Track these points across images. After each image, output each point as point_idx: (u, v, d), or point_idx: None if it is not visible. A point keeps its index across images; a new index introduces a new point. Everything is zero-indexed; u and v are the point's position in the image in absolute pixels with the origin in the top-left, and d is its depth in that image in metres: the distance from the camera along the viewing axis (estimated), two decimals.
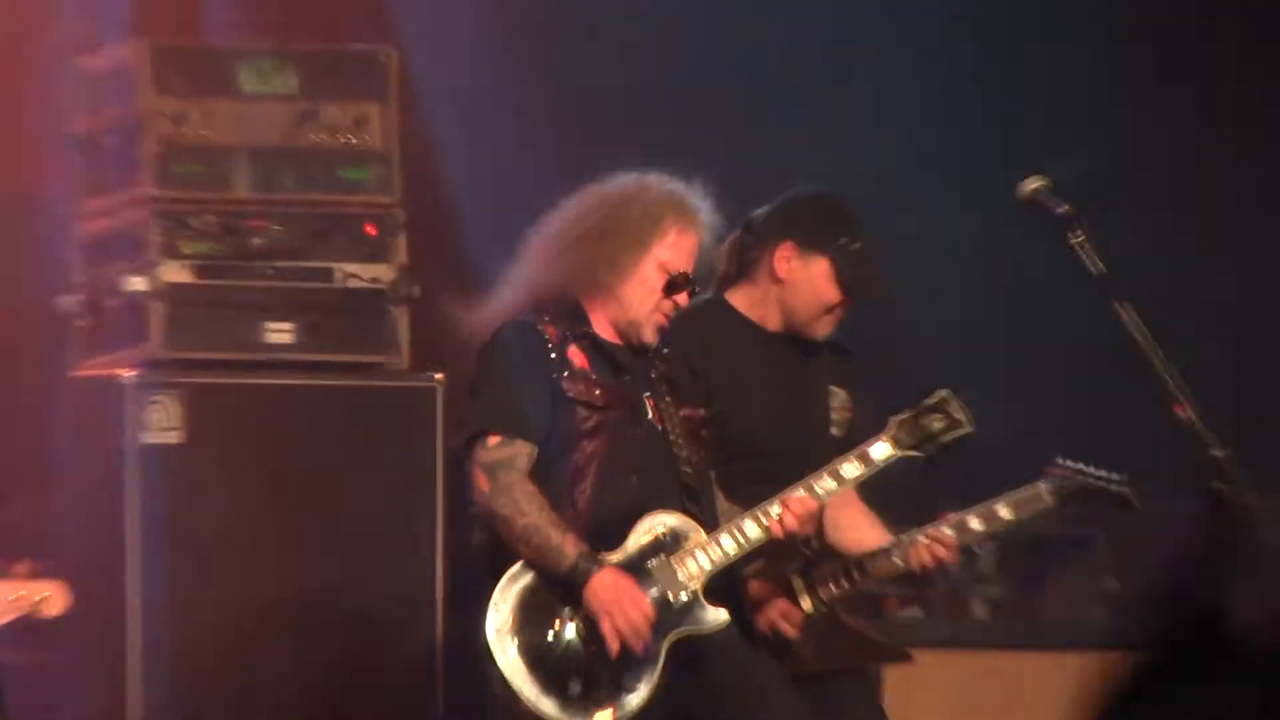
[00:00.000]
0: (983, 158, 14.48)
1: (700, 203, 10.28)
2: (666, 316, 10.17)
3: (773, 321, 10.75)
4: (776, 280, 10.76)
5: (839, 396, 10.86)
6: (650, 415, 10.52)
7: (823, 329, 10.72)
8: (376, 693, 12.19)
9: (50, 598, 10.45)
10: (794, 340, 10.74)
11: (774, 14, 16.01)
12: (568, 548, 10.03)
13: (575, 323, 10.32)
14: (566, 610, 10.13)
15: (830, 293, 10.61)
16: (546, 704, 10.03)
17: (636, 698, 9.94)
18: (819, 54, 16.04)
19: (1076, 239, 10.15)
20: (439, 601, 12.03)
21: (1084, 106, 16.48)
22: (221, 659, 12.18)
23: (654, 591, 10.25)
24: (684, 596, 10.38)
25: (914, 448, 10.21)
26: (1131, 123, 16.25)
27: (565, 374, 10.20)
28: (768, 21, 15.96)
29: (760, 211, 10.92)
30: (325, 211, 12.36)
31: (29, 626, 10.92)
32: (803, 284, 10.78)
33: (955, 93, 16.08)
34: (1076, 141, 15.68)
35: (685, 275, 10.21)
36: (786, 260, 10.72)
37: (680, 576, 10.42)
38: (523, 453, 10.18)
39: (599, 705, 10.32)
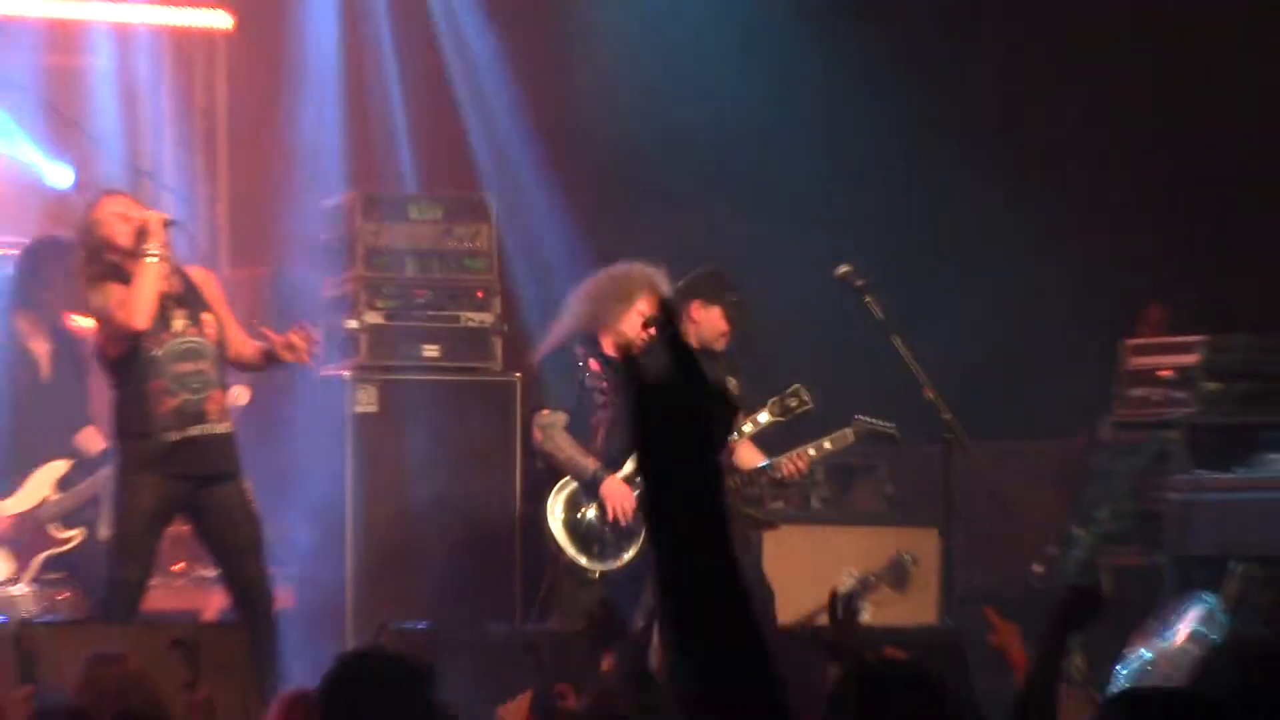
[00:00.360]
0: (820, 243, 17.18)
1: (660, 279, 14.76)
2: (645, 339, 14.39)
3: (694, 343, 14.82)
4: (693, 321, 15.20)
5: (731, 383, 14.95)
6: None
7: (720, 346, 15.22)
8: (488, 556, 16.05)
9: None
10: (704, 352, 14.91)
11: None
12: (589, 466, 14.58)
13: (592, 346, 14.75)
14: (589, 502, 14.69)
15: (723, 326, 15.17)
16: (580, 557, 14.68)
17: (628, 554, 14.58)
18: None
19: (867, 298, 14.79)
20: (517, 502, 16.07)
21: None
22: (400, 544, 16.07)
23: (638, 492, 13.94)
24: None
25: (781, 415, 14.79)
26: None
27: (587, 375, 14.67)
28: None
29: (679, 283, 15.10)
30: (456, 284, 16.75)
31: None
32: (706, 323, 15.21)
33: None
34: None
35: (651, 318, 14.43)
36: (697, 310, 15.20)
37: None
38: (560, 419, 14.77)
39: (606, 558, 14.74)
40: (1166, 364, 16.02)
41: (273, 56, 18.84)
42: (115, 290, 13.32)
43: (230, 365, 13.78)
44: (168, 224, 13.50)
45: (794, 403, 14.57)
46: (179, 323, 13.46)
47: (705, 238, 17.70)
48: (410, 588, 15.81)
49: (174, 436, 13.39)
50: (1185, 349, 15.96)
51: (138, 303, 13.19)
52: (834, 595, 12.82)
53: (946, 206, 18.36)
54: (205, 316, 13.56)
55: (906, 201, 18.65)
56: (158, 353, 13.37)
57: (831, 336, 16.43)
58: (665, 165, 18.66)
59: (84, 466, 15.23)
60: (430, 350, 16.39)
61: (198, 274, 13.82)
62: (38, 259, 15.70)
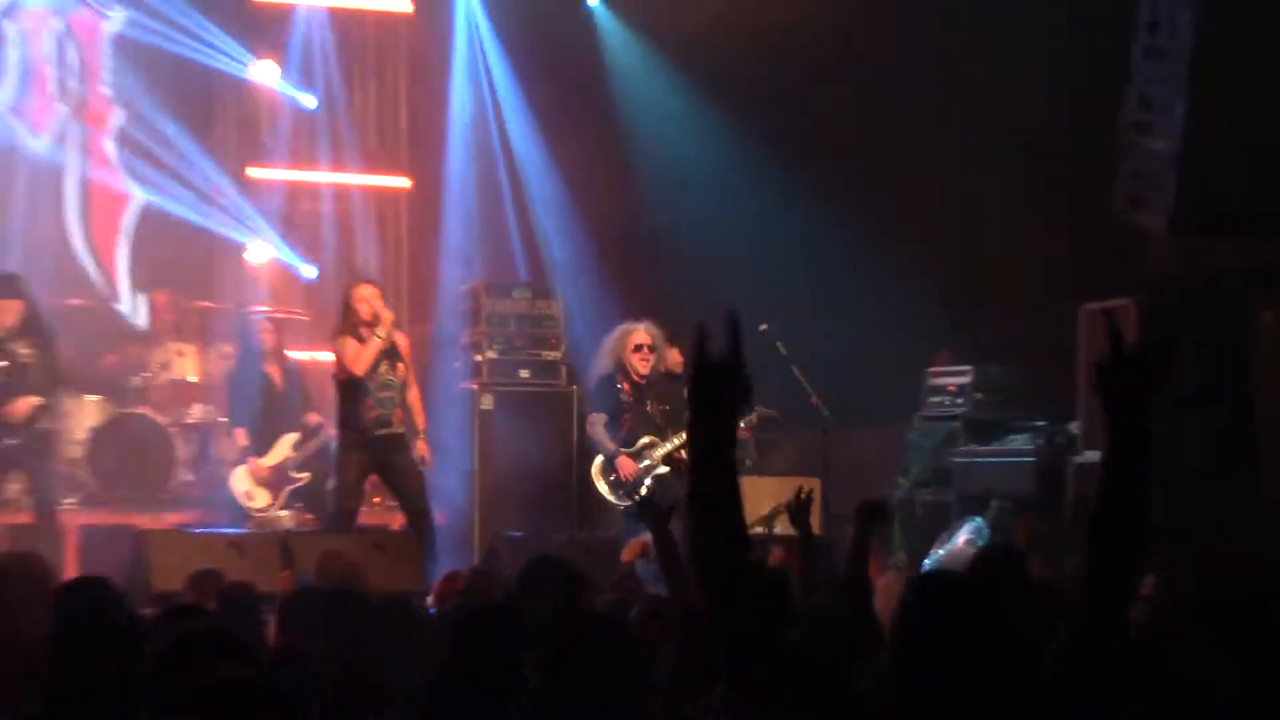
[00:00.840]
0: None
1: (652, 328, 14.71)
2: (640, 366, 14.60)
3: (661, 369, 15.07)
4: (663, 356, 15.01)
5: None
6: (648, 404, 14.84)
7: (679, 371, 14.72)
8: (556, 494, 16.12)
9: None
10: (670, 375, 15.00)
11: None
12: (611, 448, 14.67)
13: (622, 376, 14.85)
14: (614, 466, 14.71)
15: (678, 360, 14.87)
16: (608, 495, 14.73)
17: (636, 498, 14.09)
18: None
19: (777, 343, 14.76)
20: (574, 463, 16.04)
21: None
22: (504, 488, 16.07)
23: (643, 461, 14.74)
24: (649, 463, 14.72)
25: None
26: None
27: (620, 393, 14.81)
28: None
29: (665, 330, 14.92)
30: (537, 335, 16.79)
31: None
32: (671, 357, 15.06)
33: None
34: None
35: (641, 347, 14.47)
36: (668, 350, 15.04)
37: (650, 458, 14.69)
38: (602, 418, 14.90)
39: (620, 498, 14.70)
40: (952, 382, 16.10)
41: (434, 201, 19.02)
42: (350, 345, 14.19)
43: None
44: (391, 322, 14.37)
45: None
46: (384, 367, 14.24)
47: (703, 294, 15.73)
48: (510, 514, 15.96)
49: (372, 432, 14.28)
50: (963, 374, 16.05)
51: (362, 360, 14.12)
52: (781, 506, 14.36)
53: (837, 268, 17.21)
54: (399, 365, 14.34)
55: (814, 260, 17.51)
56: (370, 384, 14.21)
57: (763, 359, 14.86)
58: (678, 243, 18.16)
59: (307, 435, 15.98)
60: (524, 373, 16.77)
61: (401, 339, 14.43)
62: (285, 323, 16.55)
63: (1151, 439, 4.48)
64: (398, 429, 14.39)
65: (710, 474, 4.55)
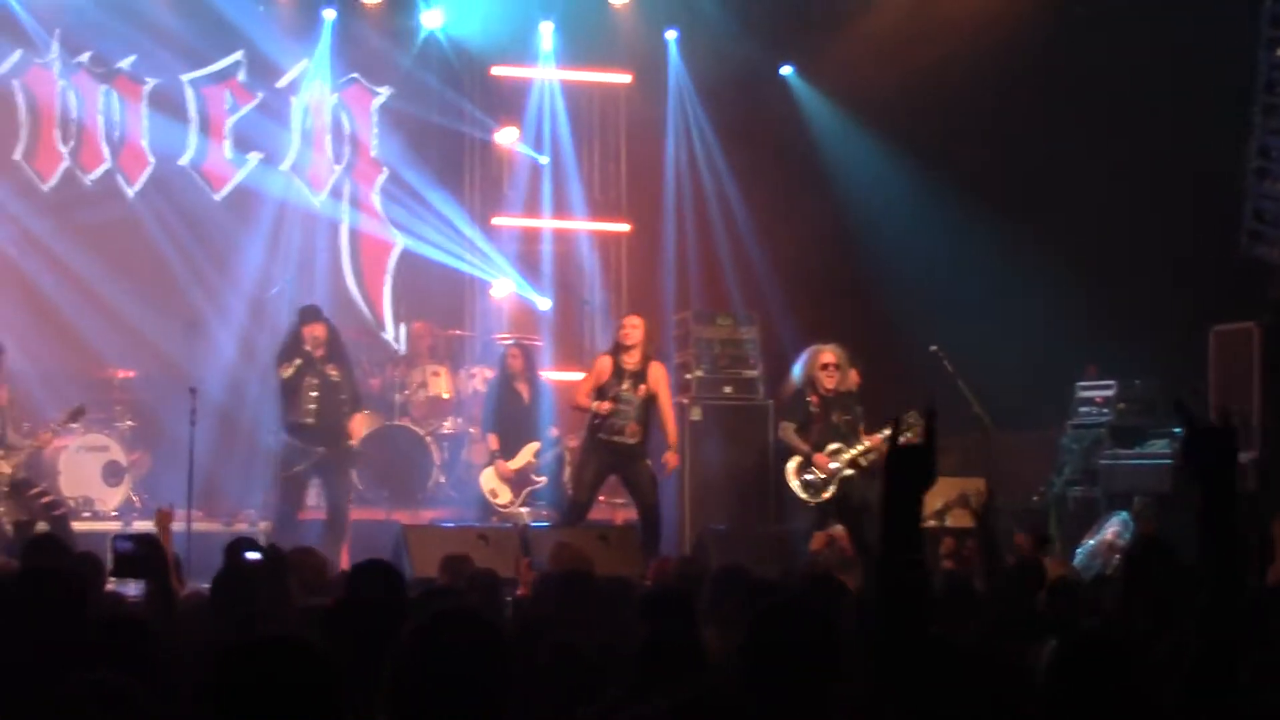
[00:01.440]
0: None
1: (837, 349, 14.18)
2: (827, 381, 14.18)
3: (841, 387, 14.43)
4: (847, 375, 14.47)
5: (858, 410, 14.29)
6: None
7: (855, 389, 14.47)
8: (756, 491, 15.67)
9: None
10: (847, 394, 14.46)
11: None
12: (805, 449, 14.02)
13: (809, 386, 14.30)
14: (806, 467, 14.05)
15: (857, 379, 14.49)
16: (801, 493, 14.09)
17: (824, 495, 13.93)
18: None
19: (944, 359, 14.74)
20: (770, 467, 15.34)
21: None
22: (712, 485, 15.75)
23: (832, 464, 13.99)
24: (836, 466, 13.99)
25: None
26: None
27: (807, 403, 14.26)
28: None
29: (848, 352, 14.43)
30: (738, 356, 16.59)
31: None
32: (852, 376, 14.49)
33: None
34: None
35: (828, 365, 14.07)
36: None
37: (838, 461, 14.02)
38: (793, 425, 14.23)
39: (811, 495, 14.13)
40: (1099, 394, 15.92)
41: (650, 242, 19.00)
42: (588, 380, 14.45)
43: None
44: (642, 350, 14.30)
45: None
46: (625, 385, 14.15)
47: (883, 320, 17.15)
48: (715, 510, 15.74)
49: (605, 439, 14.23)
50: (1108, 387, 15.85)
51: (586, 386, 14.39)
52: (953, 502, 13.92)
53: (1000, 297, 16.97)
54: (641, 387, 14.13)
55: (982, 290, 17.16)
56: (612, 391, 14.12)
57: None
58: (864, 275, 17.94)
59: (548, 445, 15.78)
60: (727, 389, 16.59)
61: (655, 369, 14.39)
62: (529, 348, 16.44)
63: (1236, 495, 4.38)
64: (629, 440, 14.29)
65: (898, 547, 4.34)
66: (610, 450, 14.25)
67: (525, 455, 15.52)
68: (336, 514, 14.27)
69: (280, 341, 14.53)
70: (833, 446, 14.18)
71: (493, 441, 15.56)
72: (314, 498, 14.89)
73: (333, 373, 14.18)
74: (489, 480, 15.59)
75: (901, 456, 4.35)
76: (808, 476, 14.23)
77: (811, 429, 14.32)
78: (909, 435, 4.56)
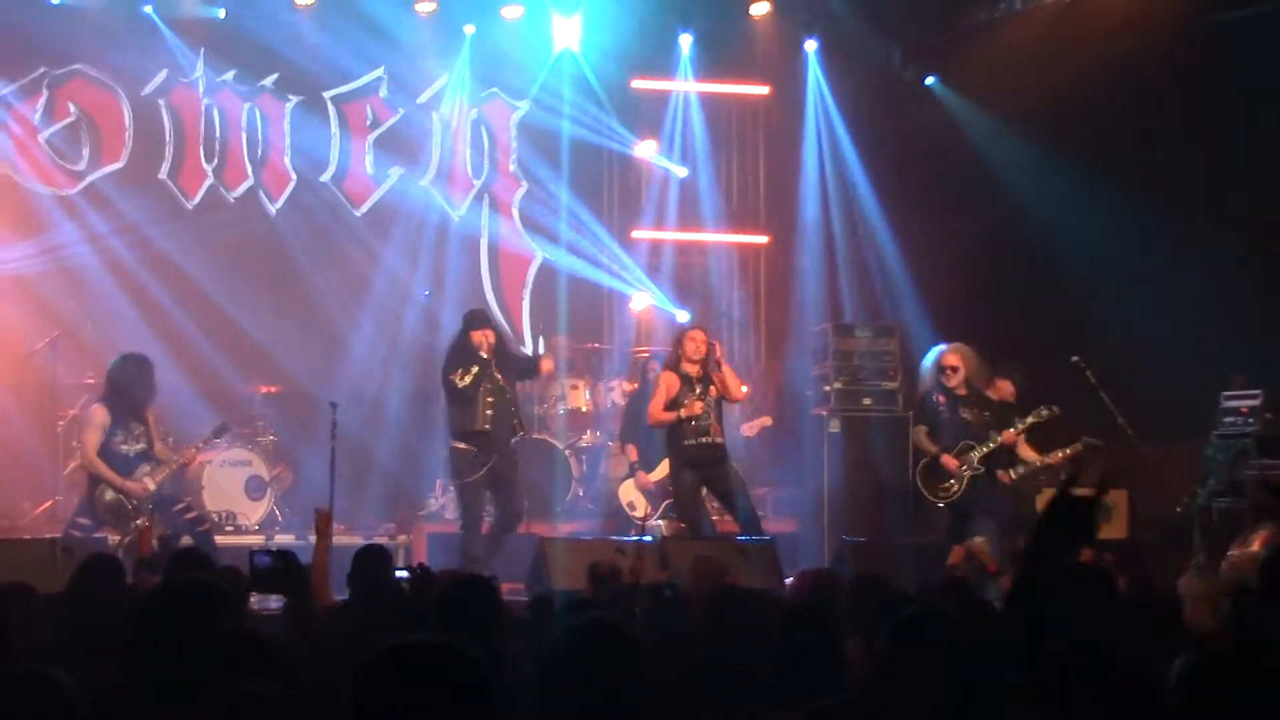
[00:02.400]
0: None
1: (960, 348, 14.15)
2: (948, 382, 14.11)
3: (996, 395, 14.64)
4: (997, 387, 14.63)
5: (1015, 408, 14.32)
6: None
7: (1012, 399, 14.63)
8: (893, 498, 15.50)
9: None
10: (1005, 404, 14.59)
11: None
12: (933, 450, 14.09)
13: (936, 389, 14.31)
14: (937, 467, 14.07)
15: (1013, 389, 14.71)
16: (930, 497, 14.10)
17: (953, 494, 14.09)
18: None
19: (1086, 371, 14.59)
20: (910, 479, 14.78)
21: None
22: (852, 495, 15.72)
23: (961, 465, 14.00)
24: (965, 465, 13.99)
25: (1040, 420, 13.92)
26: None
27: (936, 404, 14.25)
28: None
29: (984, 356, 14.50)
30: (878, 368, 16.47)
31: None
32: (1005, 388, 14.76)
33: None
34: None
35: (945, 369, 14.00)
36: (1000, 380, 14.75)
37: (967, 461, 13.95)
38: (924, 429, 14.35)
39: (938, 497, 14.18)
40: (1245, 404, 15.49)
41: (789, 253, 18.93)
42: (659, 398, 14.29)
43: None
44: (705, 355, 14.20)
45: (1047, 413, 14.07)
46: (698, 390, 14.01)
47: (1027, 328, 16.97)
48: (854, 522, 15.68)
49: (695, 443, 14.09)
50: (1254, 397, 15.43)
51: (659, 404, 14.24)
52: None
53: (1148, 310, 16.61)
54: (711, 389, 14.06)
55: (1126, 285, 16.95)
56: (686, 402, 14.02)
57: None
58: (1007, 283, 17.65)
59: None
60: (866, 401, 16.54)
61: (715, 373, 14.23)
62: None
63: None
64: (717, 439, 14.23)
65: (1036, 585, 4.36)
66: (700, 453, 14.14)
67: (665, 468, 15.30)
68: (511, 523, 14.14)
69: (449, 349, 14.28)
70: (962, 445, 14.15)
71: (632, 453, 15.67)
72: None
73: (502, 381, 14.05)
74: (628, 492, 15.69)
75: (1069, 506, 4.29)
76: (936, 478, 14.20)
77: (943, 430, 14.27)
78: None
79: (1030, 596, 4.27)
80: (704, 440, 14.13)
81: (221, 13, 17.55)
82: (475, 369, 13.82)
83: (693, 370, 14.17)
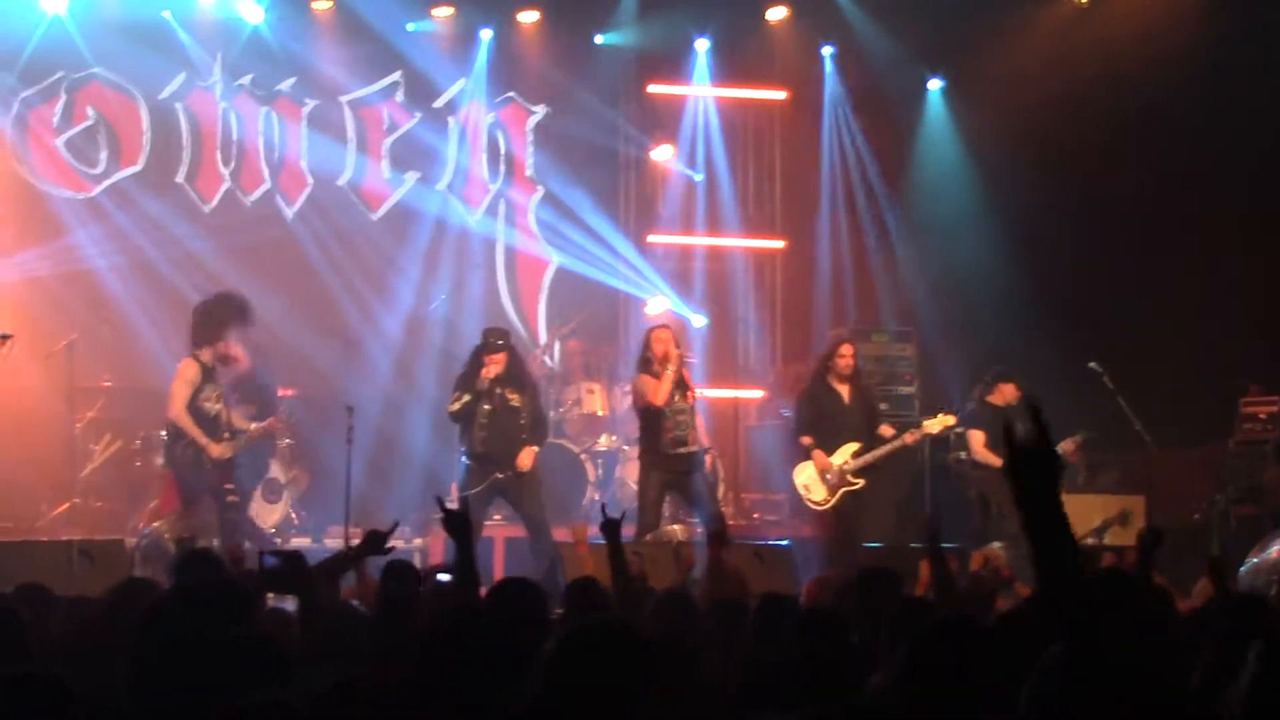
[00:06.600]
0: None
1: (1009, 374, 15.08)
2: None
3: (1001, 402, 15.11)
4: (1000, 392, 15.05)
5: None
6: None
7: (1016, 403, 14.74)
8: (909, 513, 15.41)
9: None
10: (1009, 408, 14.89)
11: None
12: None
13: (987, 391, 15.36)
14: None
15: (1017, 394, 14.86)
16: None
17: None
18: None
19: (1104, 377, 14.73)
20: (926, 483, 15.46)
21: None
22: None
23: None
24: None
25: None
26: None
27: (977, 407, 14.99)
28: None
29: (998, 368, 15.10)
30: (894, 372, 16.81)
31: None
32: (1011, 393, 15.04)
33: None
34: None
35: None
36: (1005, 386, 15.05)
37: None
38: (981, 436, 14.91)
39: None
40: (1263, 410, 15.63)
41: (805, 258, 18.88)
42: (648, 381, 14.40)
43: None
44: (680, 359, 14.46)
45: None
46: (677, 395, 14.26)
47: (1047, 336, 16.54)
48: (871, 527, 15.07)
49: (671, 453, 14.30)
50: (1273, 403, 15.61)
51: (660, 391, 14.35)
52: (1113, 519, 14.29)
53: (1162, 317, 16.83)
54: (689, 393, 14.42)
55: (1143, 308, 17.11)
56: (666, 409, 14.23)
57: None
58: (1018, 288, 17.37)
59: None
60: (883, 405, 16.04)
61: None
62: None
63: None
64: (693, 448, 14.44)
65: (1045, 541, 4.32)
66: (677, 464, 14.32)
67: (843, 454, 14.94)
68: (535, 531, 14.15)
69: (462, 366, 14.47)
70: None
71: (806, 439, 15.14)
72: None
73: (512, 398, 14.06)
74: (802, 474, 15.09)
75: (1023, 457, 4.30)
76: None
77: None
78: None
79: (1063, 587, 4.28)
80: (681, 451, 14.34)
81: (241, 17, 17.62)
82: (465, 398, 14.02)
83: (672, 374, 14.36)
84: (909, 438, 14.82)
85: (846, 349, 15.16)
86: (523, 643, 5.02)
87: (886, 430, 15.03)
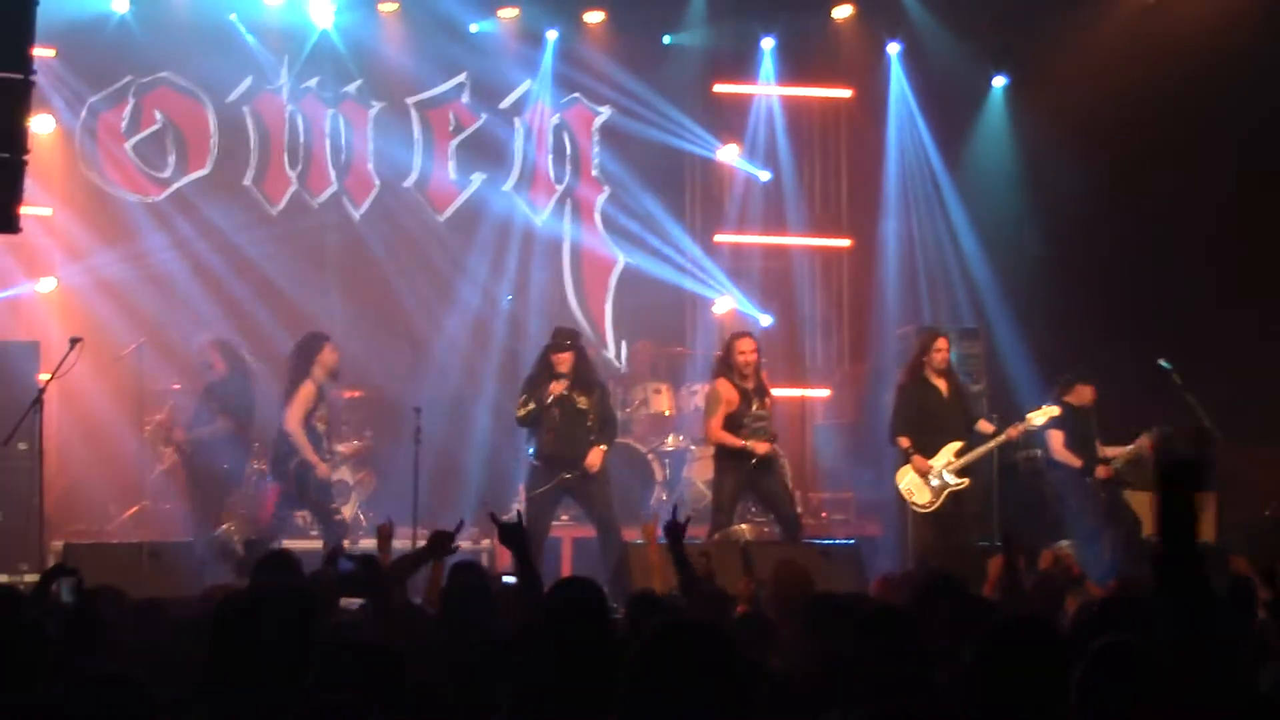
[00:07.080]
0: None
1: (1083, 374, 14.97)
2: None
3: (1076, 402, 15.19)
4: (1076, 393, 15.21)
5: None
6: None
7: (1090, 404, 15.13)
8: (975, 513, 14.96)
9: None
10: (1083, 409, 15.18)
11: None
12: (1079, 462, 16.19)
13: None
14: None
15: (1093, 397, 15.07)
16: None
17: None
18: None
19: (1174, 375, 14.72)
20: (993, 483, 15.14)
21: None
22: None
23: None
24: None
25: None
26: None
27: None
28: None
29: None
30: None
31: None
32: (1087, 394, 15.19)
33: None
34: None
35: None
36: (1080, 387, 15.05)
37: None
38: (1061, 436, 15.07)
39: None
40: None
41: (871, 257, 18.77)
42: (720, 412, 14.41)
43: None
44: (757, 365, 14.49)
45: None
46: (756, 402, 14.35)
47: (1115, 333, 16.74)
48: (937, 526, 14.94)
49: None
50: None
51: (735, 404, 14.35)
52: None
53: (1233, 313, 16.60)
54: (767, 400, 14.52)
55: (1213, 305, 16.87)
56: (746, 416, 14.28)
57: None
58: (1087, 286, 17.50)
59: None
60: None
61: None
62: None
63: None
64: (769, 451, 14.49)
65: (1178, 545, 4.57)
66: (750, 463, 14.31)
67: (945, 454, 14.82)
68: (604, 531, 14.19)
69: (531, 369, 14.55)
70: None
71: (903, 442, 15.01)
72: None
73: (580, 401, 14.12)
74: (904, 477, 15.00)
75: (1177, 467, 4.58)
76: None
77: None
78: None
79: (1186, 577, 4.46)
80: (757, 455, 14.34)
81: (310, 19, 17.70)
82: (532, 405, 14.10)
83: (750, 383, 14.43)
84: (1013, 431, 14.73)
85: (942, 343, 15.04)
86: (583, 640, 4.98)
87: (985, 426, 14.91)
